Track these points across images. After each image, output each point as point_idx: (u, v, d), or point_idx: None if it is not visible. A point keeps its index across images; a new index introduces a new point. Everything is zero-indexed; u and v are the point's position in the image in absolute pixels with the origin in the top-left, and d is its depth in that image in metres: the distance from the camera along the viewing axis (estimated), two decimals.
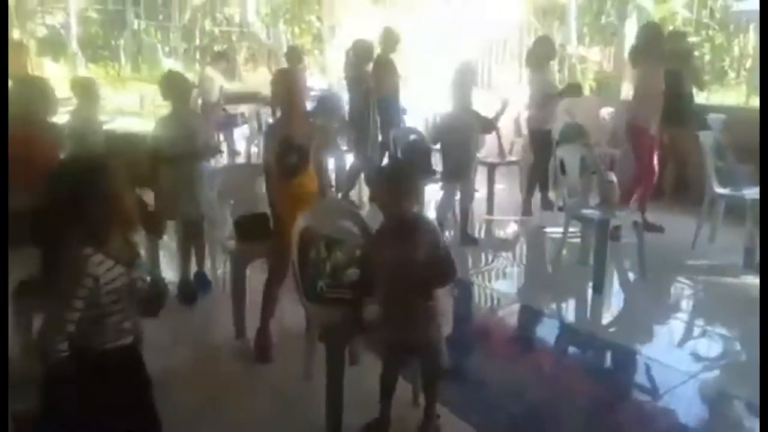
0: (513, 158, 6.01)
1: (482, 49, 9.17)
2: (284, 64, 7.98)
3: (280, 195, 3.00)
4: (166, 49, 16.30)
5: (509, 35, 9.12)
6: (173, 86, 3.72)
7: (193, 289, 3.71)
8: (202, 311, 3.63)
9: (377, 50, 6.03)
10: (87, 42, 15.66)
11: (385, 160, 5.71)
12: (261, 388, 2.77)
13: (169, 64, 15.07)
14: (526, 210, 5.50)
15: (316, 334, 2.72)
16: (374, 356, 2.54)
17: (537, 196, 5.63)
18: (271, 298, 3.02)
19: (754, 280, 3.90)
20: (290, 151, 2.91)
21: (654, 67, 4.65)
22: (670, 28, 10.63)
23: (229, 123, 7.96)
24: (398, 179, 2.19)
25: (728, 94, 11.19)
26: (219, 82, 7.97)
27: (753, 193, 4.22)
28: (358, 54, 5.98)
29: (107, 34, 16.73)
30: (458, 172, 4.61)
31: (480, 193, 5.83)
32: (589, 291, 3.86)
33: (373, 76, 6.08)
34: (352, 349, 2.72)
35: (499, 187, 5.74)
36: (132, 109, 11.82)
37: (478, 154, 5.58)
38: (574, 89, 5.60)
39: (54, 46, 14.48)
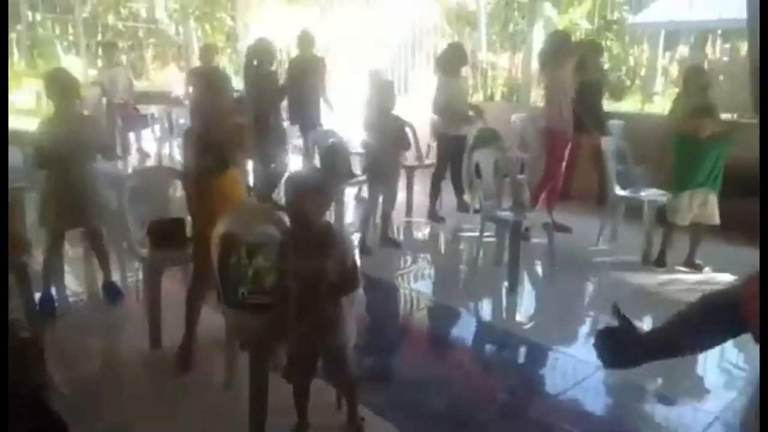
0: (429, 161, 6.13)
1: (397, 53, 9.30)
2: (195, 63, 7.74)
3: (200, 198, 2.90)
4: (65, 43, 15.33)
5: (423, 39, 9.30)
6: (56, 84, 3.44)
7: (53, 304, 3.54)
8: (114, 322, 3.45)
9: (295, 51, 5.96)
10: None
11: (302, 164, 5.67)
12: (181, 399, 2.67)
13: (69, 60, 14.18)
14: (432, 214, 5.60)
15: (237, 341, 2.66)
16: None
17: (453, 199, 5.79)
18: (195, 305, 2.92)
19: (651, 275, 4.21)
20: (210, 152, 2.82)
21: (563, 72, 4.89)
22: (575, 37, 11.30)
23: (138, 123, 7.62)
24: (305, 188, 2.14)
25: (625, 102, 11.98)
26: (127, 80, 7.61)
27: (649, 194, 4.55)
28: (262, 54, 5.84)
29: None
30: (383, 177, 4.64)
31: (399, 196, 5.93)
32: (504, 290, 4.01)
33: (289, 78, 6.02)
34: (273, 355, 2.68)
35: (417, 189, 5.83)
36: (27, 107, 11.03)
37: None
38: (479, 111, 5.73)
39: None
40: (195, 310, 2.92)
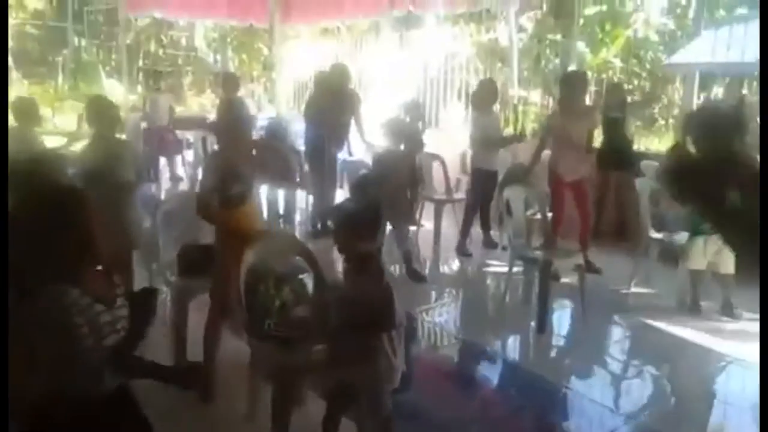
0: (459, 196, 6.12)
1: (429, 88, 9.38)
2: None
3: (220, 227, 2.93)
4: (107, 68, 15.86)
5: (455, 75, 9.38)
6: (96, 112, 3.54)
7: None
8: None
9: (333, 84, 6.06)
10: (23, 58, 15.07)
11: (339, 195, 5.72)
12: (202, 429, 2.65)
13: (110, 84, 14.66)
14: (461, 248, 5.56)
15: (262, 373, 2.64)
16: (318, 397, 2.47)
17: (480, 234, 5.75)
18: (215, 334, 2.92)
19: (686, 322, 4.08)
20: (232, 181, 2.85)
21: (574, 116, 4.83)
22: (604, 77, 11.28)
23: (174, 148, 7.79)
24: (356, 219, 2.16)
25: (659, 142, 11.83)
26: (167, 105, 7.82)
27: (683, 238, 4.44)
28: (321, 85, 5.99)
29: (45, 50, 16.14)
30: (393, 212, 4.62)
31: (427, 229, 5.92)
32: (532, 330, 3.93)
33: (327, 109, 6.11)
34: (297, 389, 2.65)
35: (446, 223, 5.81)
36: (70, 130, 11.38)
37: (422, 192, 5.69)
38: (517, 138, 5.82)
39: None
40: (214, 339, 2.92)
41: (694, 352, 3.72)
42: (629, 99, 6.36)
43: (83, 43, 15.85)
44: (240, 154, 2.96)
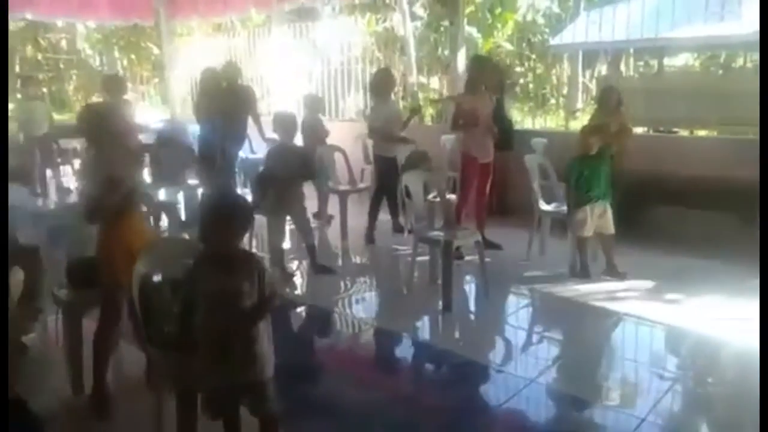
0: (363, 185, 6.17)
1: (327, 80, 9.37)
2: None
3: (104, 237, 2.81)
4: None
5: (354, 66, 9.42)
6: None
7: None
8: (34, 367, 3.25)
9: (222, 82, 5.93)
10: None
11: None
12: None
13: None
14: (368, 236, 5.64)
15: (163, 382, 2.56)
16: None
17: (389, 221, 5.84)
18: (106, 348, 2.80)
19: (578, 286, 4.36)
20: (112, 190, 2.74)
21: (481, 99, 5.02)
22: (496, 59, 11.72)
23: (57, 158, 7.31)
24: (220, 213, 2.10)
25: (549, 119, 12.46)
26: (44, 113, 7.31)
27: None
28: (205, 84, 5.84)
29: None
30: (284, 207, 4.62)
31: (334, 220, 5.94)
32: (440, 309, 4.06)
33: (217, 108, 5.96)
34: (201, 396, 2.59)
35: (353, 213, 5.84)
36: None
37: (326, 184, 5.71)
38: (414, 112, 5.99)
39: None
40: (105, 353, 2.81)
41: (588, 313, 3.99)
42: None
43: None
44: (119, 160, 2.82)
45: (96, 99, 13.84)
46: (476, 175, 5.07)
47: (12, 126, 7.82)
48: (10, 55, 14.92)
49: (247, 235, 2.15)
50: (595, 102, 5.50)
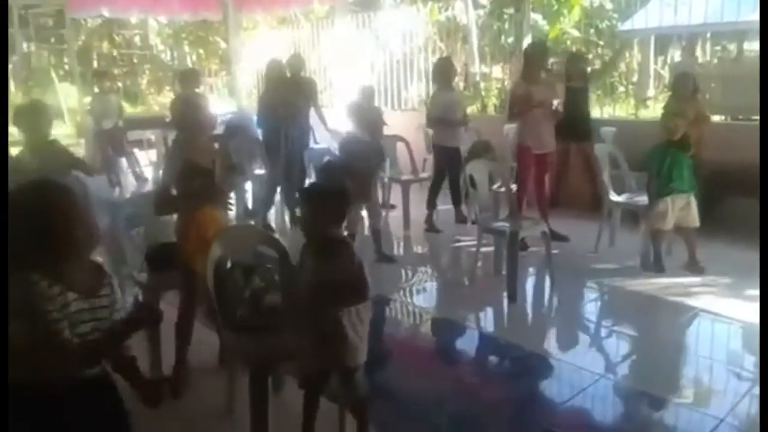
0: (425, 175, 6.15)
1: (390, 70, 9.37)
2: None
3: (184, 222, 2.92)
4: (61, 72, 15.45)
5: (415, 56, 9.37)
6: (25, 116, 3.47)
7: None
8: None
9: (286, 73, 6.03)
10: None
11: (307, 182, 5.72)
12: (182, 425, 2.65)
13: (64, 88, 14.29)
14: (429, 225, 5.62)
15: (236, 363, 2.65)
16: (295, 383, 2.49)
17: (451, 211, 5.80)
18: (186, 329, 2.92)
19: (651, 280, 4.20)
20: (192, 177, 2.85)
21: (538, 88, 4.84)
22: (563, 47, 11.38)
23: (130, 148, 7.65)
24: (318, 200, 2.19)
25: (618, 108, 11.99)
26: (116, 105, 7.67)
27: (644, 200, 4.55)
28: (270, 75, 5.96)
29: None
30: (360, 194, 4.64)
31: (397, 210, 5.95)
32: (505, 300, 4.01)
33: (283, 98, 6.07)
34: (274, 376, 2.67)
35: (415, 203, 5.84)
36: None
37: (388, 173, 5.71)
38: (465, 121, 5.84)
39: None
40: (186, 334, 2.92)
41: (662, 308, 3.84)
42: (589, 69, 6.36)
43: (32, 48, 15.38)
44: (199, 149, 2.94)
45: (168, 92, 14.41)
46: (531, 165, 4.94)
47: (87, 119, 8.28)
48: (88, 51, 15.73)
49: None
50: (669, 89, 5.26)
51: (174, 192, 2.95)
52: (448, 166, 5.62)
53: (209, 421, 2.67)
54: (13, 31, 13.61)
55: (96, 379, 1.67)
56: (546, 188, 5.03)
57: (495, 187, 4.72)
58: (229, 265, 2.66)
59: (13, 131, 3.72)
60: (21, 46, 14.29)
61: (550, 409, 2.89)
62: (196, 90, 6.49)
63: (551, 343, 3.57)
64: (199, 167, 2.88)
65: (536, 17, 11.71)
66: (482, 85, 11.85)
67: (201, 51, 16.62)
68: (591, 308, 4.15)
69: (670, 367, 3.21)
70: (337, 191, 2.27)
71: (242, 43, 10.83)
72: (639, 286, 4.13)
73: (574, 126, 5.56)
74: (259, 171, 6.13)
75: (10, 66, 15.07)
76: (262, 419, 2.33)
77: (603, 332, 3.81)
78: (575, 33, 13.32)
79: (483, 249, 4.38)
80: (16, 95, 14.57)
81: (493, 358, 3.62)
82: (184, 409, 2.75)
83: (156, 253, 3.19)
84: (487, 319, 4.05)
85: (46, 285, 1.51)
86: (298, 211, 5.93)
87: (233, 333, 2.51)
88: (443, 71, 5.68)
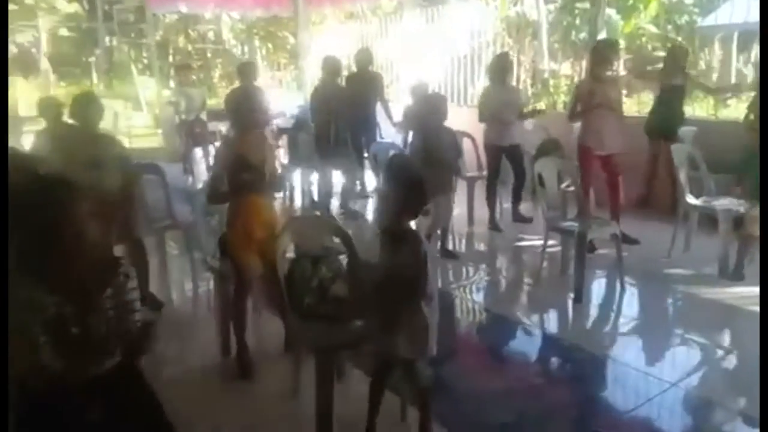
0: None
1: (457, 65, 9.30)
2: (259, 80, 7.97)
3: (232, 212, 3.00)
4: (140, 66, 16.19)
5: (483, 51, 9.27)
6: (81, 107, 3.52)
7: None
8: (188, 329, 3.60)
9: (352, 68, 6.11)
10: (58, 60, 15.51)
11: (368, 176, 5.79)
12: (248, 405, 2.74)
13: (143, 81, 14.97)
14: (493, 223, 5.56)
15: (302, 350, 2.72)
16: (359, 371, 2.54)
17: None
18: (239, 314, 3.02)
19: (728, 289, 4.00)
20: (240, 169, 2.92)
21: (604, 86, 4.69)
22: (638, 44, 10.97)
23: (207, 139, 7.94)
24: (401, 194, 2.19)
25: (697, 107, 11.47)
26: (200, 98, 8.00)
27: (724, 204, 4.33)
28: (327, 70, 6.04)
29: (79, 52, 16.56)
30: (435, 189, 4.62)
31: (460, 206, 5.91)
32: (570, 301, 3.92)
33: (347, 92, 6.15)
34: (338, 364, 2.72)
35: (478, 200, 5.79)
36: (105, 127, 11.68)
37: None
38: (535, 113, 5.77)
39: (24, 64, 14.28)
40: (243, 317, 3.01)
41: (741, 319, 3.65)
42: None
43: (114, 42, 16.18)
44: (249, 142, 3.00)
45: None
46: (592, 166, 4.79)
47: (168, 110, 8.64)
48: (165, 46, 16.40)
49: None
50: (753, 89, 4.97)
51: (225, 183, 3.02)
52: (499, 164, 5.54)
53: (275, 403, 2.75)
54: (97, 25, 14.39)
55: (115, 370, 1.70)
56: (620, 190, 4.85)
57: (564, 186, 4.61)
58: (294, 255, 2.74)
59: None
60: (104, 40, 15.08)
61: (614, 416, 2.80)
62: (254, 83, 6.65)
63: (617, 348, 3.46)
64: (247, 161, 2.93)
65: (610, 12, 11.35)
66: (551, 82, 11.61)
67: (270, 45, 17.03)
68: (662, 315, 3.99)
69: (748, 381, 3.05)
70: (418, 183, 2.27)
71: (310, 38, 11.02)
72: (716, 295, 3.95)
73: (667, 125, 5.33)
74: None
75: (93, 59, 15.95)
76: (327, 404, 2.37)
77: (675, 340, 3.66)
78: (652, 29, 12.83)
79: (549, 249, 4.30)
80: (98, 87, 15.41)
81: (555, 360, 3.55)
82: (251, 391, 2.85)
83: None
84: (551, 320, 3.97)
85: (28, 291, 1.55)
86: (351, 205, 6.05)
87: (301, 320, 2.57)
88: (500, 67, 5.58)
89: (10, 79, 9.59)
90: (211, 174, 3.26)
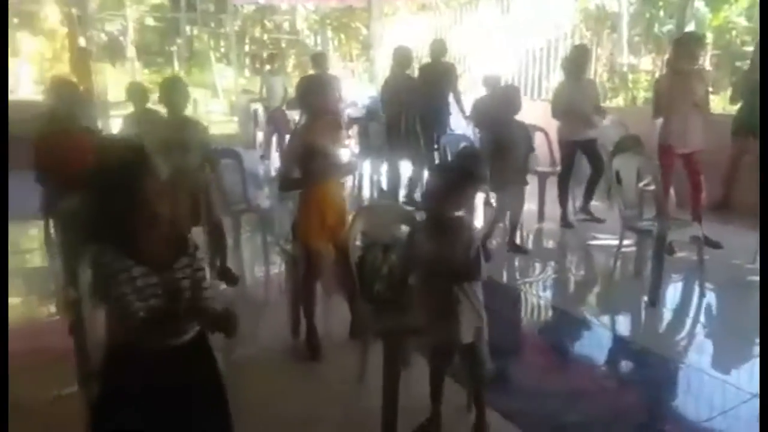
0: None
1: (532, 58, 9.11)
2: (331, 70, 8.10)
3: (304, 199, 3.05)
4: (217, 55, 16.73)
5: (560, 43, 9.03)
6: (170, 93, 3.64)
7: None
8: (260, 310, 3.72)
9: (426, 59, 6.10)
10: (143, 48, 16.26)
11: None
12: (315, 386, 2.82)
13: (220, 69, 15.47)
14: (565, 220, 5.45)
15: (370, 335, 2.75)
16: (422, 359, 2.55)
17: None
18: (312, 296, 3.09)
19: None
20: (314, 156, 2.94)
21: (685, 82, 4.46)
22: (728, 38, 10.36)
23: (285, 128, 8.18)
24: (443, 181, 2.22)
25: None
26: (281, 87, 8.25)
27: None
28: (397, 61, 6.05)
29: (162, 40, 17.29)
30: (507, 183, 4.56)
31: (531, 202, 5.81)
32: (644, 304, 3.79)
33: (419, 82, 6.14)
34: (404, 351, 2.74)
35: (550, 196, 5.67)
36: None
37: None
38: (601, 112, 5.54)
39: (112, 52, 15.05)
40: (310, 303, 3.08)
41: None
42: None
43: (195, 32, 16.79)
44: (319, 130, 3.03)
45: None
46: (672, 165, 4.58)
47: (245, 98, 8.94)
48: (242, 35, 16.86)
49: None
50: None
51: (296, 170, 3.06)
52: (572, 160, 5.41)
53: (342, 386, 2.81)
54: (180, 15, 14.98)
55: (188, 345, 1.75)
56: (702, 190, 4.63)
57: (642, 184, 4.44)
58: (365, 242, 2.78)
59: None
60: (184, 29, 15.69)
61: (686, 425, 2.69)
62: (325, 72, 6.77)
63: (693, 355, 3.32)
64: (317, 149, 2.94)
65: (698, 4, 10.77)
66: (630, 77, 11.16)
67: (343, 36, 17.20)
68: (744, 323, 3.78)
69: None
70: (468, 172, 2.29)
71: (383, 29, 11.06)
72: None
73: (756, 121, 5.04)
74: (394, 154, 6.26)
75: (174, 48, 16.62)
76: (393, 389, 2.40)
77: (756, 350, 3.46)
78: (743, 22, 12.07)
79: (623, 249, 4.16)
80: (178, 74, 16.07)
81: (626, 362, 3.44)
82: (319, 373, 2.92)
83: None
84: (623, 322, 3.85)
85: (110, 259, 1.61)
86: (416, 196, 6.06)
87: (371, 306, 2.61)
88: (577, 60, 5.43)
89: (100, 65, 10.19)
90: (282, 161, 3.31)
